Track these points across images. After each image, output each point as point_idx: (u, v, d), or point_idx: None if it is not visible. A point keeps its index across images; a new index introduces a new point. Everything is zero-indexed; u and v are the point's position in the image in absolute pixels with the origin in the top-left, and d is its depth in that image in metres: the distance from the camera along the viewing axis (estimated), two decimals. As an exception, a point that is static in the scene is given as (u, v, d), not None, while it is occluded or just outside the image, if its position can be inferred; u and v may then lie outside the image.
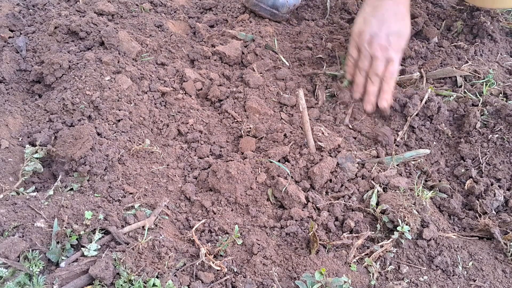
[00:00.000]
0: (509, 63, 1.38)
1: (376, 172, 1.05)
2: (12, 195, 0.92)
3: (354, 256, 0.90)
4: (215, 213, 0.97)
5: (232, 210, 0.99)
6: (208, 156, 1.11)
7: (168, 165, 1.08)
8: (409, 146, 1.16)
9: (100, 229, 0.86)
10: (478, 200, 1.04)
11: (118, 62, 1.20)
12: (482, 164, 1.11)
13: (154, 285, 0.77)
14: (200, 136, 1.14)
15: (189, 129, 1.15)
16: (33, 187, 0.97)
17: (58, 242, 0.82)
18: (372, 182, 1.04)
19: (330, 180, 1.05)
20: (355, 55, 1.21)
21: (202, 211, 0.98)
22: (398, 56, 1.18)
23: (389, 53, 1.15)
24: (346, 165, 1.05)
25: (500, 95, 1.24)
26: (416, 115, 1.18)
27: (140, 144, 1.08)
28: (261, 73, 1.29)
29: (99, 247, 0.83)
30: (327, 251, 0.92)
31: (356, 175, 1.06)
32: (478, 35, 1.42)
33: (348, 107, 1.22)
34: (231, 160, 1.05)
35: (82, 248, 0.82)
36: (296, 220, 0.97)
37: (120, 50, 1.24)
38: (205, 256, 0.84)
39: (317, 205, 0.99)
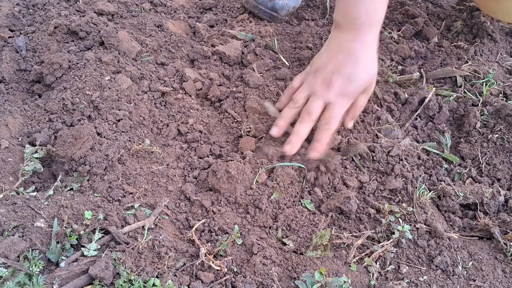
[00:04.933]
0: (509, 63, 1.38)
1: (376, 172, 1.06)
2: (12, 195, 0.92)
3: (354, 256, 0.90)
4: (215, 213, 0.97)
5: (232, 210, 0.99)
6: (208, 156, 1.11)
7: (168, 165, 1.08)
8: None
9: (100, 229, 0.86)
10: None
11: (118, 62, 1.20)
12: (482, 164, 1.11)
13: (154, 285, 0.77)
14: (200, 136, 1.14)
15: (189, 129, 1.15)
16: (33, 187, 0.97)
17: (58, 242, 0.82)
18: (372, 182, 1.04)
19: (330, 180, 1.05)
20: (297, 86, 1.05)
21: (202, 211, 0.99)
22: (342, 101, 0.98)
23: (329, 94, 0.97)
24: None
25: (500, 95, 1.24)
26: (418, 115, 1.18)
27: (140, 144, 1.08)
28: (261, 73, 1.29)
29: (99, 247, 0.83)
30: (327, 251, 0.92)
31: (356, 175, 1.06)
32: (478, 35, 1.42)
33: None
34: (231, 160, 1.05)
35: (82, 248, 0.82)
36: (296, 220, 0.97)
37: (120, 50, 1.24)
38: (205, 256, 0.84)
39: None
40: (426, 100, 1.17)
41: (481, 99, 1.21)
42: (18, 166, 0.99)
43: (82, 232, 0.84)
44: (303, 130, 1.01)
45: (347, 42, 0.97)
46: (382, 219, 0.96)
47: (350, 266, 0.88)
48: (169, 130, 1.14)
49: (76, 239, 0.83)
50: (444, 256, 0.91)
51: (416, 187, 1.03)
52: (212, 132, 1.16)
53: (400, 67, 1.31)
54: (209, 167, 1.07)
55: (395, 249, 0.92)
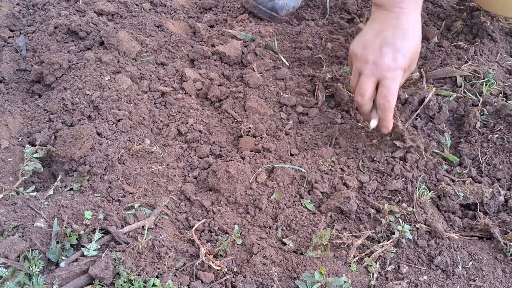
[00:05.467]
0: (509, 63, 1.38)
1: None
2: (12, 195, 0.92)
3: (354, 256, 0.90)
4: (215, 213, 0.97)
5: (232, 210, 0.99)
6: (208, 156, 1.11)
7: (168, 165, 1.08)
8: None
9: (100, 229, 0.86)
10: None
11: (118, 62, 1.20)
12: (482, 164, 1.11)
13: (154, 285, 0.77)
14: (200, 136, 1.14)
15: (189, 129, 1.15)
16: (33, 187, 0.97)
17: (58, 242, 0.82)
18: (372, 182, 1.04)
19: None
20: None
21: (202, 211, 0.98)
22: (394, 74, 0.96)
23: (380, 69, 0.96)
24: None
25: (500, 95, 1.24)
26: (418, 115, 1.18)
27: (140, 144, 1.08)
28: (261, 73, 1.29)
29: (99, 247, 0.83)
30: (327, 251, 0.92)
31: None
32: (478, 35, 1.42)
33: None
34: (231, 160, 1.05)
35: (82, 248, 0.82)
36: (296, 220, 0.97)
37: (120, 50, 1.24)
38: (205, 256, 0.84)
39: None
40: (426, 100, 1.17)
41: (481, 99, 1.21)
42: (18, 166, 0.99)
43: (82, 232, 0.84)
44: (363, 110, 1.03)
45: (393, 19, 0.98)
46: (382, 219, 0.96)
47: (350, 266, 0.88)
48: (169, 130, 1.14)
49: (76, 239, 0.83)
50: (444, 256, 0.91)
51: (416, 187, 1.03)
52: (212, 132, 1.16)
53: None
54: (209, 167, 1.07)
55: (395, 249, 0.92)
